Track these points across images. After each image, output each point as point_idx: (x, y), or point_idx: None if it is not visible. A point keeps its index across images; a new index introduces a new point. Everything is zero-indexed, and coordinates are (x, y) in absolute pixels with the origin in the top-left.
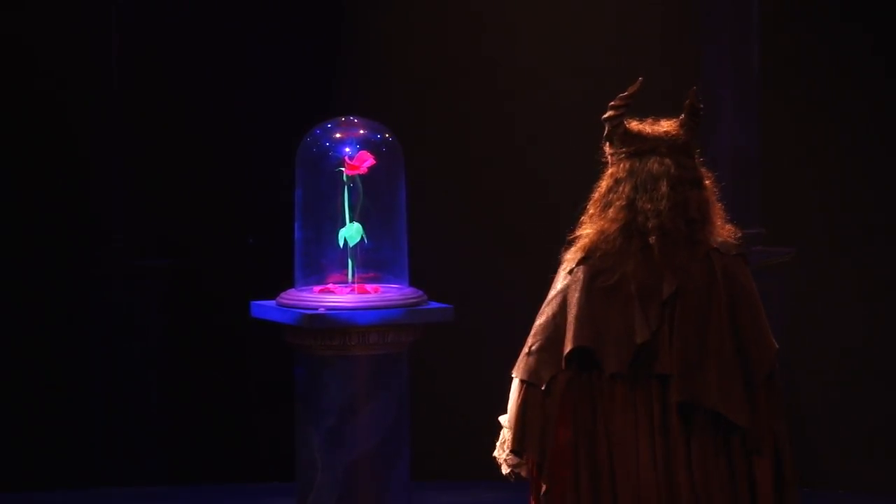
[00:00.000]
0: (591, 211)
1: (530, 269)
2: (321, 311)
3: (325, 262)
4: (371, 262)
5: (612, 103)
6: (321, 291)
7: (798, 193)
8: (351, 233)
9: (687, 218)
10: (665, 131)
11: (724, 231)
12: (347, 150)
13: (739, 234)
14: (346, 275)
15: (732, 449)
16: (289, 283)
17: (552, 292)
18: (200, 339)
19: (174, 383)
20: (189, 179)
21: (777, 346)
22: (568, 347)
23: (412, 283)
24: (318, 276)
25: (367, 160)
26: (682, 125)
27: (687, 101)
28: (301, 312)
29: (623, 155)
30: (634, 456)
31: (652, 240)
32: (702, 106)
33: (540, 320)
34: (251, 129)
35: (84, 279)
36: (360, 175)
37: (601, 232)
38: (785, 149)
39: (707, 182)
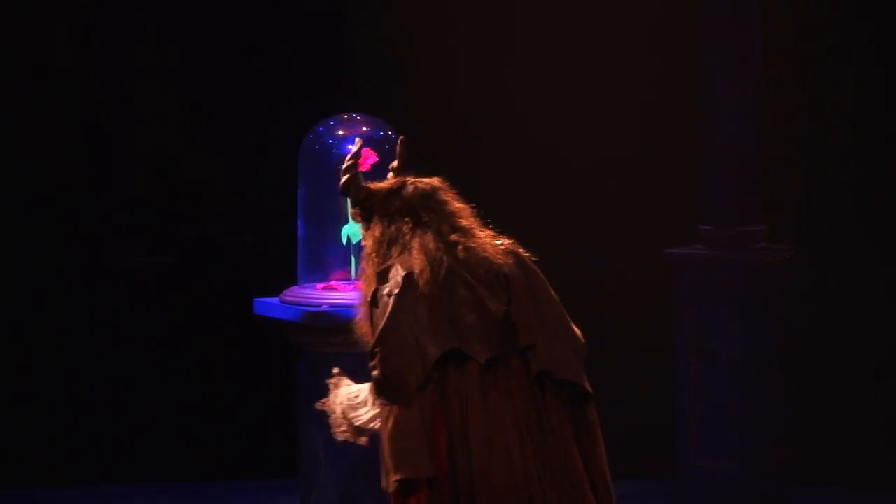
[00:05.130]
0: (375, 260)
1: None
2: (324, 308)
3: (328, 260)
4: None
5: (342, 168)
6: (324, 288)
7: (799, 190)
8: (354, 230)
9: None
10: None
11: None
12: (350, 147)
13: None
14: (349, 272)
15: (580, 421)
16: (292, 281)
17: (383, 321)
18: (203, 336)
19: (177, 380)
20: (192, 176)
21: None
22: (431, 361)
23: None
24: (321, 273)
25: (369, 157)
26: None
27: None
28: (304, 309)
29: (373, 204)
30: (504, 440)
31: (460, 251)
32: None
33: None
34: (255, 126)
35: (86, 276)
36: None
37: (406, 265)
38: (786, 146)
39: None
